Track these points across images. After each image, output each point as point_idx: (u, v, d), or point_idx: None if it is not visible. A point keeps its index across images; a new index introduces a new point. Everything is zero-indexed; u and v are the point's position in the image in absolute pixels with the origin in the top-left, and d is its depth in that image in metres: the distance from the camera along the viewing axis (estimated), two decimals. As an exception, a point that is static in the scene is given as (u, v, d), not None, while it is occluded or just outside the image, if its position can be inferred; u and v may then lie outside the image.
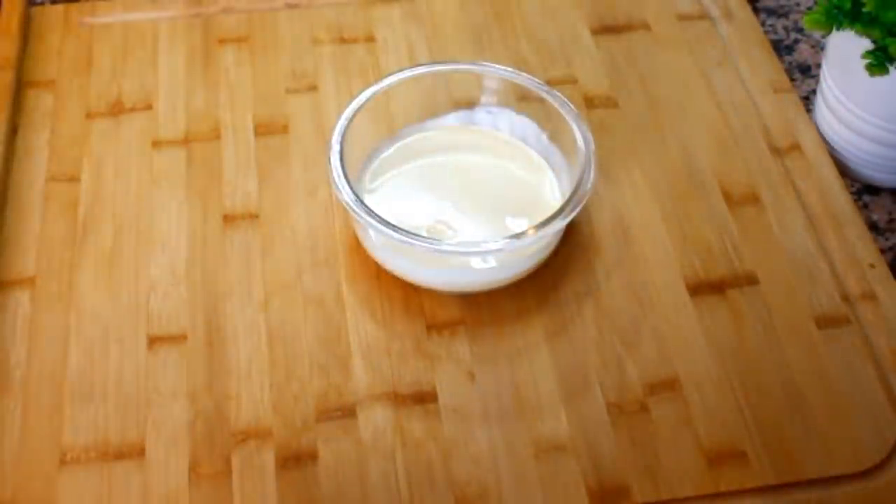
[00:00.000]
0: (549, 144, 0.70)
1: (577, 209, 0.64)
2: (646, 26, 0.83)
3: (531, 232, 0.63)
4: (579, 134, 0.67)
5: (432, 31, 0.82)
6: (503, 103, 0.72)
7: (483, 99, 0.72)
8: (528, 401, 0.62)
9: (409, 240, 0.62)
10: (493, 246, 0.64)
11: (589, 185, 0.65)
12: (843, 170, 0.75)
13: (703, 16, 0.84)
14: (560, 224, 0.64)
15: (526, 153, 0.71)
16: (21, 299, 0.66)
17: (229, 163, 0.73)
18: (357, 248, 0.68)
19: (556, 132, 0.70)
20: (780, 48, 0.83)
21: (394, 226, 0.62)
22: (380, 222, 0.63)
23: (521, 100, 0.71)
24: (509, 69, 0.71)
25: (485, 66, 0.72)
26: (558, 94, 0.69)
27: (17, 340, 0.64)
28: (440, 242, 0.63)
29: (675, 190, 0.72)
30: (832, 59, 0.74)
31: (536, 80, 0.70)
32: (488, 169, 0.71)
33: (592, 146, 0.67)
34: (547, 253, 0.67)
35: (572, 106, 0.69)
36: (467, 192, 0.69)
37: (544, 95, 0.70)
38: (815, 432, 0.61)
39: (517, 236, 0.63)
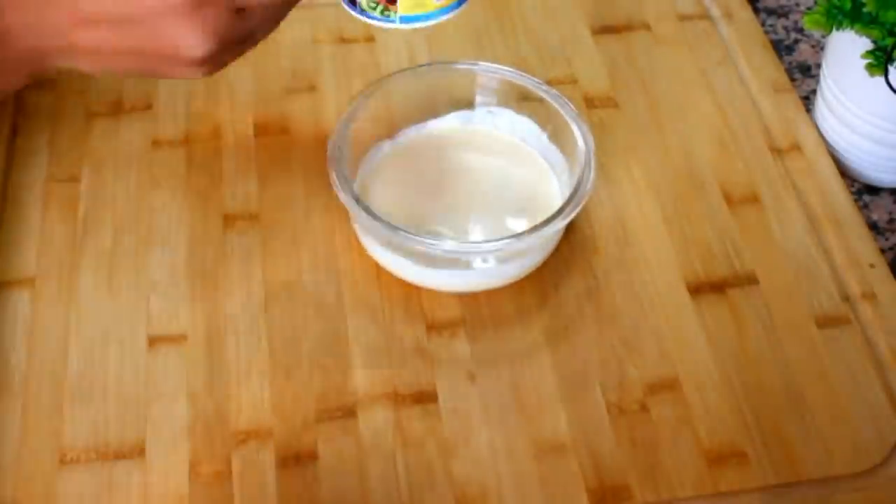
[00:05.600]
0: (549, 144, 0.70)
1: (577, 209, 0.64)
2: (646, 26, 0.83)
3: (531, 232, 0.63)
4: (579, 134, 0.67)
5: (432, 31, 0.81)
6: (503, 103, 0.72)
7: (483, 99, 0.72)
8: (528, 401, 0.62)
9: (409, 240, 0.62)
10: (493, 246, 0.64)
11: (589, 185, 0.65)
12: (843, 170, 0.75)
13: (703, 16, 0.84)
14: (560, 224, 0.64)
15: (526, 153, 0.71)
16: (21, 299, 0.66)
17: (229, 163, 0.73)
18: (357, 248, 0.68)
19: (556, 132, 0.70)
20: (780, 48, 0.83)
21: (394, 226, 0.62)
22: (380, 222, 0.63)
23: (521, 100, 0.71)
24: (509, 69, 0.71)
25: (485, 66, 0.72)
26: (558, 94, 0.69)
27: (17, 340, 0.64)
28: (440, 242, 0.63)
29: (675, 190, 0.72)
30: (832, 59, 0.74)
31: (536, 80, 0.70)
32: (488, 169, 0.71)
33: (592, 146, 0.67)
34: (547, 253, 0.67)
35: (572, 106, 0.69)
36: (467, 192, 0.69)
37: (544, 95, 0.70)
38: (815, 432, 0.61)
39: (517, 236, 0.63)
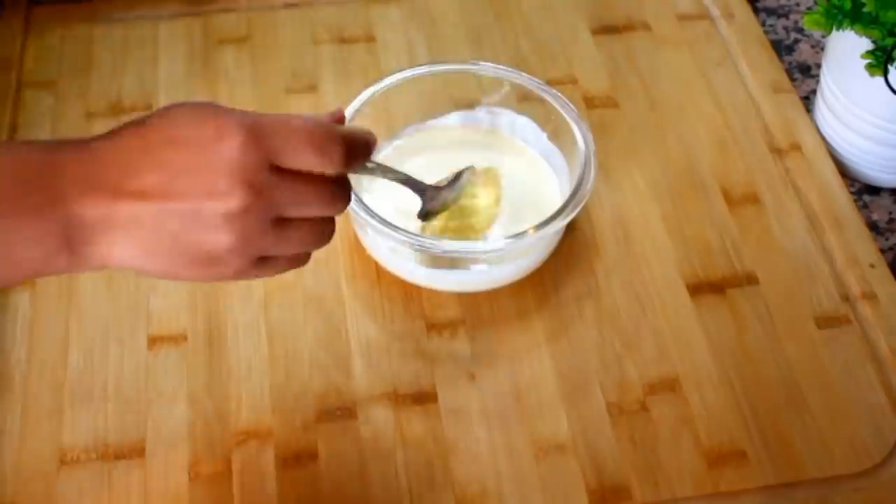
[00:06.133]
0: (549, 144, 0.70)
1: (577, 209, 0.64)
2: (646, 26, 0.83)
3: (531, 232, 0.63)
4: (579, 134, 0.67)
5: (432, 31, 0.82)
6: (503, 103, 0.72)
7: (483, 99, 0.72)
8: (529, 401, 0.62)
9: (409, 240, 0.62)
10: (493, 246, 0.64)
11: (589, 185, 0.65)
12: (843, 170, 0.75)
13: (703, 16, 0.84)
14: (560, 224, 0.64)
15: (526, 153, 0.71)
16: (21, 299, 0.66)
17: (229, 163, 0.73)
18: (357, 248, 0.68)
19: (556, 132, 0.70)
20: (780, 48, 0.83)
21: (394, 226, 0.62)
22: (380, 222, 0.62)
23: (522, 100, 0.71)
24: (509, 69, 0.71)
25: (485, 66, 0.72)
26: (558, 94, 0.69)
27: (17, 340, 0.64)
28: (440, 242, 0.63)
29: (675, 190, 0.72)
30: (832, 59, 0.74)
31: (536, 80, 0.70)
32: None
33: (592, 146, 0.67)
34: (547, 253, 0.67)
35: (572, 106, 0.69)
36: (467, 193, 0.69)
37: (544, 95, 0.69)
38: (815, 432, 0.61)
39: (517, 236, 0.63)
